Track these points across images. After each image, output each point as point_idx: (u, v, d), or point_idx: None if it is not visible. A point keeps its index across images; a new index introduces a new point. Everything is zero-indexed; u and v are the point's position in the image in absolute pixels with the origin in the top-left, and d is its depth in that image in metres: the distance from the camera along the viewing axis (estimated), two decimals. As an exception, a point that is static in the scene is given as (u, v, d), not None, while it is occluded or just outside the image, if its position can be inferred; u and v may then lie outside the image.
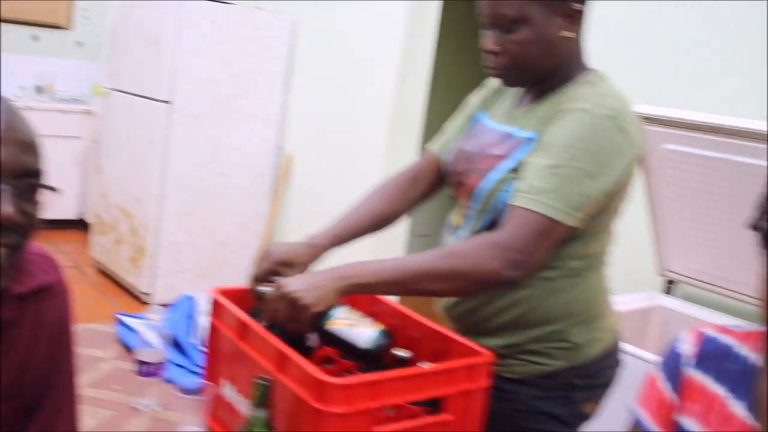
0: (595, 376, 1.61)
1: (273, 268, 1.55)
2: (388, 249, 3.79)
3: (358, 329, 1.46)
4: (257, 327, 1.40)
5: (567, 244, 1.51)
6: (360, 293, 1.50)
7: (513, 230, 1.43)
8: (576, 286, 1.57)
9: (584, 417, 1.63)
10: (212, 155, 4.43)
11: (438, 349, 1.47)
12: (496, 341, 1.56)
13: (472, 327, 1.58)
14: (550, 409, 1.58)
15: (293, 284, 1.39)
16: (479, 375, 1.35)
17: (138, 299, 4.38)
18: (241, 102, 4.47)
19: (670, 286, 2.71)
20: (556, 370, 1.57)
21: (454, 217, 1.68)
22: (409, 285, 1.43)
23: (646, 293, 2.73)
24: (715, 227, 2.42)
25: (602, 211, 1.51)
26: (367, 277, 1.41)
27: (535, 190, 1.43)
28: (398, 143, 4.00)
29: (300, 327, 1.40)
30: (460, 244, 1.50)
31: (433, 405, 1.37)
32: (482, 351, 1.39)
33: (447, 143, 1.79)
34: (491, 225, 1.54)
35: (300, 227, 1.51)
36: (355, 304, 1.60)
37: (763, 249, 1.03)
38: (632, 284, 2.81)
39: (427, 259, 1.45)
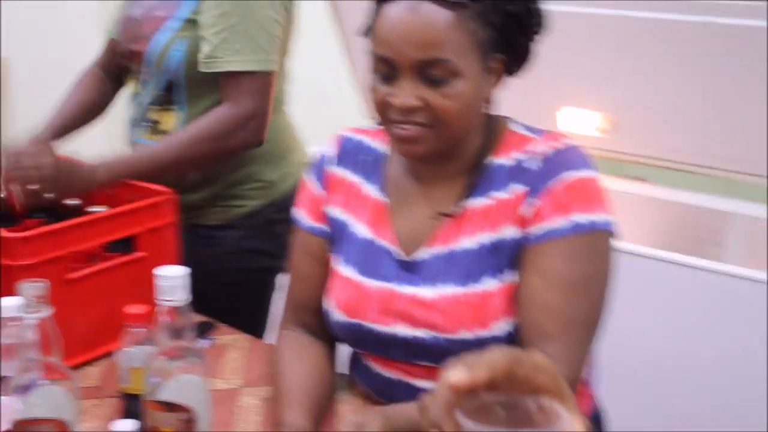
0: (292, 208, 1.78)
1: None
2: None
3: None
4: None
5: None
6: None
7: (241, 98, 1.51)
8: None
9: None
10: None
11: (131, 198, 1.52)
12: (197, 195, 1.66)
13: (172, 187, 1.62)
14: (257, 245, 1.71)
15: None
16: (163, 212, 1.46)
17: None
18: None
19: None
20: (255, 209, 1.70)
21: (133, 85, 1.71)
22: (164, 174, 1.52)
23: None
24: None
25: None
26: (123, 173, 1.50)
27: (233, 51, 1.50)
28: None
29: (54, 194, 1.42)
30: (202, 126, 1.54)
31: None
32: (163, 190, 1.48)
33: (115, 20, 1.77)
34: (168, 86, 1.60)
35: (24, 133, 1.54)
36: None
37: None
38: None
39: (178, 147, 1.54)
